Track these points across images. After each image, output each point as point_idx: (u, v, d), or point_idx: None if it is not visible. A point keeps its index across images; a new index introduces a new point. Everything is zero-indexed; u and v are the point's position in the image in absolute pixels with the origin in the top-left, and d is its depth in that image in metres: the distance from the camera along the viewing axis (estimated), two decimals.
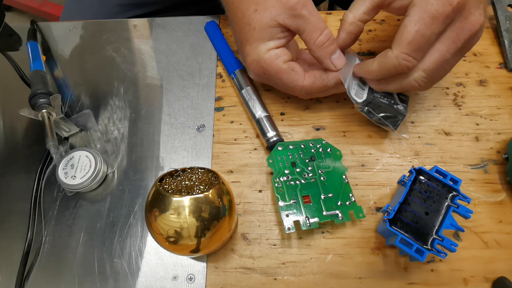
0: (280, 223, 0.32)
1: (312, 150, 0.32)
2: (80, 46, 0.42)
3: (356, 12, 0.29)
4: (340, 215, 0.29)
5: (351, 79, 0.32)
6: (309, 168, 0.31)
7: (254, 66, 0.32)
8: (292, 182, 0.30)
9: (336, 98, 0.36)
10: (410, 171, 0.29)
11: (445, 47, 0.27)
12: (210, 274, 0.30)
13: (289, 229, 0.28)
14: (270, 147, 0.33)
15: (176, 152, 0.35)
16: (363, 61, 0.31)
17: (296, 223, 0.29)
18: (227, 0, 0.33)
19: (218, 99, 0.37)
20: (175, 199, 0.25)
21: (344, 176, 0.31)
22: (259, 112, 0.34)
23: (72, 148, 0.36)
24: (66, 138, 0.36)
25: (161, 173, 0.34)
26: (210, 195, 0.25)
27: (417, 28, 0.26)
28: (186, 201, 0.25)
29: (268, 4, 0.30)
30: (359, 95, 0.32)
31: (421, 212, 0.27)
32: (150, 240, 0.32)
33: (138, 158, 0.35)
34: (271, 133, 0.33)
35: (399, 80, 0.30)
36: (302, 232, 0.31)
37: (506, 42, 0.37)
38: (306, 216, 0.29)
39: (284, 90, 0.33)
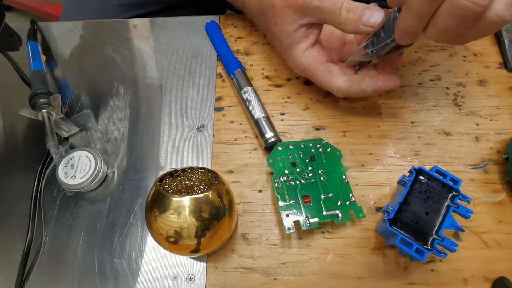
0: (280, 223, 0.32)
1: (312, 150, 0.32)
2: (80, 46, 0.42)
3: None
4: (340, 215, 0.29)
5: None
6: (309, 168, 0.31)
7: (295, 70, 0.34)
8: (292, 182, 0.30)
9: (336, 97, 0.36)
10: (410, 171, 0.29)
11: None
12: (210, 274, 0.30)
13: (289, 229, 0.28)
14: (268, 147, 0.33)
15: (176, 152, 0.35)
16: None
17: (296, 223, 0.29)
18: (256, 20, 0.35)
19: (218, 99, 0.37)
20: (175, 199, 0.25)
21: (344, 176, 0.31)
22: (258, 113, 0.34)
23: (72, 148, 0.36)
24: (66, 138, 0.36)
25: (161, 173, 0.34)
26: (210, 195, 0.25)
27: None
28: (186, 201, 0.25)
29: (283, 13, 0.30)
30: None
31: (421, 212, 0.27)
32: (150, 240, 0.32)
33: (138, 158, 0.35)
34: (269, 134, 0.33)
35: (445, 8, 0.22)
36: (302, 232, 0.31)
37: (506, 42, 0.37)
38: (306, 216, 0.29)
39: (324, 88, 0.33)
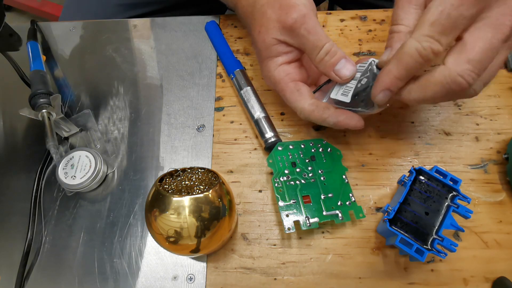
0: (280, 223, 0.32)
1: (312, 150, 0.32)
2: (80, 46, 0.42)
3: (407, 22, 0.27)
4: (340, 215, 0.29)
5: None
6: (309, 168, 0.31)
7: (266, 81, 0.33)
8: (292, 182, 0.30)
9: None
10: (410, 171, 0.29)
11: (489, 33, 0.23)
12: (210, 274, 0.30)
13: (289, 229, 0.28)
14: (268, 147, 0.33)
15: (176, 152, 0.35)
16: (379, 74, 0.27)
17: (296, 223, 0.29)
18: (244, 21, 0.35)
19: (218, 99, 0.37)
20: (175, 199, 0.25)
21: (344, 176, 0.31)
22: (258, 113, 0.34)
23: (72, 148, 0.36)
24: (66, 138, 0.36)
25: (161, 173, 0.34)
26: (210, 195, 0.25)
27: (441, 9, 0.23)
28: (186, 201, 0.25)
29: (269, 25, 0.30)
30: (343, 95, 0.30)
31: (421, 212, 0.27)
32: (150, 240, 0.32)
33: (138, 158, 0.35)
34: (269, 134, 0.33)
35: (438, 77, 0.24)
36: (302, 232, 0.31)
37: None
38: (306, 216, 0.29)
39: (290, 108, 0.32)
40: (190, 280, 0.30)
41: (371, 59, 0.28)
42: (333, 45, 0.29)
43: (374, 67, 0.28)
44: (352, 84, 0.29)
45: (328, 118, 0.30)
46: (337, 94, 0.30)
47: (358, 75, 0.29)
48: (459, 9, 0.23)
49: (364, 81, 0.28)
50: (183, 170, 0.28)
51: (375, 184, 0.33)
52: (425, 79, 0.25)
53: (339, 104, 0.30)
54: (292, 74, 0.31)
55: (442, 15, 0.23)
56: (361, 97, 0.29)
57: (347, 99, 0.29)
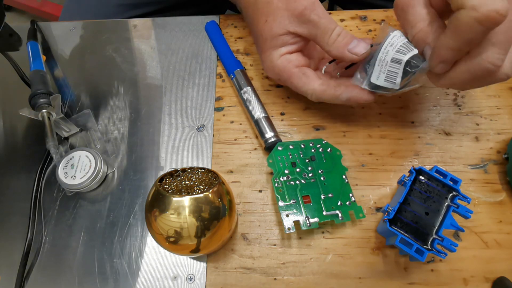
0: (280, 223, 0.32)
1: (312, 150, 0.32)
2: (80, 46, 0.42)
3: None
4: (340, 215, 0.29)
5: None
6: (309, 168, 0.31)
7: (269, 72, 0.33)
8: (292, 182, 0.30)
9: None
10: (410, 171, 0.29)
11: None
12: (210, 274, 0.30)
13: (289, 229, 0.28)
14: (268, 147, 0.33)
15: (176, 152, 0.35)
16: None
17: (296, 223, 0.29)
18: (245, 11, 0.35)
19: (218, 99, 0.37)
20: (175, 199, 0.25)
21: (344, 176, 0.31)
22: (258, 113, 0.34)
23: (72, 148, 0.36)
24: (66, 138, 0.36)
25: (161, 173, 0.34)
26: (210, 195, 0.25)
27: None
28: (186, 201, 0.25)
29: (277, 14, 0.30)
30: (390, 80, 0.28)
31: (421, 212, 0.27)
32: (150, 240, 0.32)
33: (138, 158, 0.35)
34: (269, 134, 0.33)
35: (467, 68, 0.24)
36: (302, 232, 0.31)
37: None
38: (306, 216, 0.29)
39: (299, 92, 0.33)
40: (190, 280, 0.30)
41: (395, 32, 0.27)
42: (343, 28, 0.29)
43: (411, 47, 0.27)
44: (396, 68, 0.27)
45: (341, 95, 0.30)
46: (378, 78, 0.28)
47: (390, 51, 0.27)
48: None
49: (400, 60, 0.27)
50: (183, 170, 0.28)
51: (375, 184, 0.33)
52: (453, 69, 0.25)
53: (375, 88, 0.29)
54: (295, 61, 0.32)
55: None
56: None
57: (396, 86, 0.28)
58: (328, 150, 0.32)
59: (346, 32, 0.29)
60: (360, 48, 0.29)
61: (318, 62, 0.35)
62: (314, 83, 0.31)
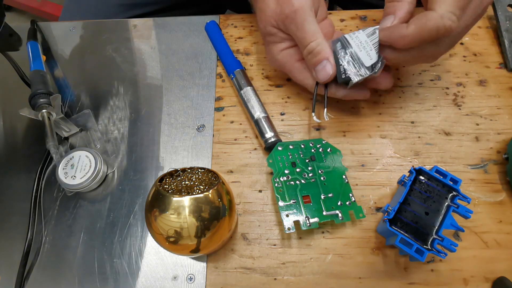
0: (280, 223, 0.32)
1: (312, 150, 0.32)
2: (80, 46, 0.42)
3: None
4: (340, 215, 0.29)
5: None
6: (309, 168, 0.31)
7: (272, 64, 0.35)
8: (292, 182, 0.30)
9: (336, 98, 0.36)
10: (410, 171, 0.29)
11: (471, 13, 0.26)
12: (210, 274, 0.30)
13: (289, 229, 0.28)
14: (268, 147, 0.33)
15: (176, 152, 0.35)
16: (392, 25, 0.28)
17: (296, 223, 0.29)
18: (250, 1, 0.36)
19: (218, 99, 0.37)
20: (175, 199, 0.25)
21: (344, 176, 0.31)
22: (258, 113, 0.34)
23: (72, 148, 0.36)
24: (66, 138, 0.36)
25: (161, 173, 0.34)
26: (210, 195, 0.25)
27: None
28: (186, 201, 0.25)
29: (267, 13, 0.31)
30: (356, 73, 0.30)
31: (421, 212, 0.27)
32: (150, 240, 0.32)
33: (138, 158, 0.35)
34: (269, 134, 0.33)
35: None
36: (302, 232, 0.31)
37: (506, 42, 0.37)
38: (306, 216, 0.29)
39: (302, 85, 0.34)
40: (190, 280, 0.30)
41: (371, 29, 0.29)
42: (318, 43, 0.29)
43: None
44: (361, 62, 0.30)
45: (338, 92, 0.32)
46: (356, 76, 0.30)
47: (359, 43, 0.30)
48: None
49: (370, 52, 0.29)
50: (183, 170, 0.28)
51: (375, 184, 0.33)
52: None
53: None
54: (295, 55, 0.33)
55: None
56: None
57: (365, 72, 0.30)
58: (328, 150, 0.32)
59: (318, 50, 0.29)
60: (323, 74, 0.30)
61: None
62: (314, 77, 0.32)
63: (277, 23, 0.31)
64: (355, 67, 0.30)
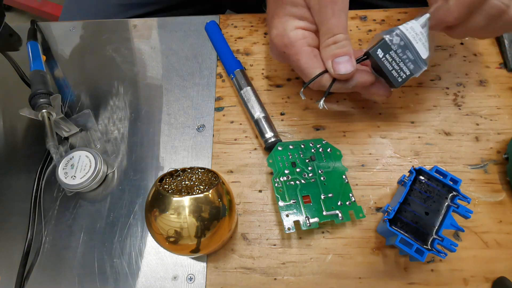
0: (280, 223, 0.32)
1: (312, 150, 0.32)
2: (80, 46, 0.42)
3: None
4: (340, 215, 0.29)
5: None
6: (309, 168, 0.31)
7: (277, 40, 0.30)
8: (292, 182, 0.30)
9: (336, 98, 0.36)
10: (410, 171, 0.29)
11: None
12: (210, 274, 0.30)
13: (289, 229, 0.28)
14: (268, 147, 0.33)
15: (176, 152, 0.35)
16: (433, 9, 0.27)
17: (296, 223, 0.29)
18: None
19: (218, 99, 0.37)
20: (175, 199, 0.25)
21: (344, 176, 0.31)
22: (258, 113, 0.34)
23: (72, 148, 0.36)
24: (66, 138, 0.36)
25: (161, 173, 0.34)
26: (210, 195, 0.25)
27: None
28: (186, 201, 0.25)
29: None
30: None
31: (421, 212, 0.27)
32: (150, 240, 0.32)
33: (138, 158, 0.35)
34: (269, 134, 0.33)
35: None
36: (302, 232, 0.31)
37: (506, 42, 0.37)
38: (306, 216, 0.29)
39: (300, 74, 0.31)
40: (190, 280, 0.30)
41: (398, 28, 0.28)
42: (346, 38, 0.28)
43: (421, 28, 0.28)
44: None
45: (348, 84, 0.29)
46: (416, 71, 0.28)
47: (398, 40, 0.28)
48: None
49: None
50: (183, 170, 0.28)
51: (375, 184, 0.33)
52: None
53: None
54: (309, 39, 0.29)
55: None
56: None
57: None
58: (328, 150, 0.32)
59: (344, 43, 0.28)
60: (342, 68, 0.27)
61: None
62: (321, 68, 0.29)
63: (311, 2, 0.28)
64: (410, 63, 0.28)
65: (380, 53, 0.27)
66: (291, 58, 0.30)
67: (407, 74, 0.28)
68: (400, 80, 0.28)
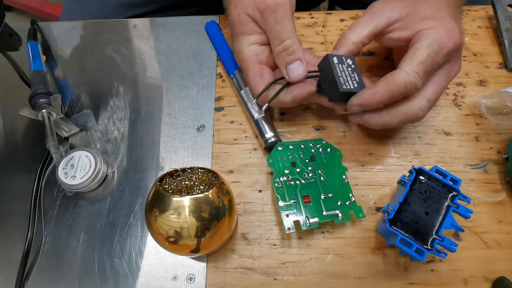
0: (280, 223, 0.32)
1: (312, 150, 0.32)
2: (80, 46, 0.42)
3: (359, 34, 0.29)
4: (340, 215, 0.29)
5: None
6: (309, 168, 0.31)
7: (236, 57, 0.34)
8: (292, 182, 0.30)
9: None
10: (410, 171, 0.29)
11: (442, 81, 0.29)
12: (210, 274, 0.30)
13: (289, 229, 0.28)
14: (268, 148, 0.33)
15: (176, 152, 0.35)
16: (360, 92, 0.29)
17: (296, 223, 0.29)
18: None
19: (218, 99, 0.37)
20: (175, 199, 0.25)
21: (344, 176, 0.31)
22: (258, 113, 0.34)
23: (72, 148, 0.36)
24: (66, 138, 0.36)
25: (161, 173, 0.34)
26: (210, 195, 0.25)
27: (429, 51, 0.27)
28: (186, 201, 0.25)
29: (246, 1, 0.31)
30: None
31: (421, 212, 0.27)
32: (150, 240, 0.32)
33: (138, 158, 0.35)
34: (269, 134, 0.33)
35: (405, 109, 0.28)
36: (302, 232, 0.31)
37: (506, 42, 0.37)
38: (306, 216, 0.29)
39: (250, 88, 0.34)
40: (190, 280, 0.30)
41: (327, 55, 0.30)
42: (294, 42, 0.30)
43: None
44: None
45: (285, 98, 0.31)
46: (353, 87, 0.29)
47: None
48: (438, 56, 0.27)
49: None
50: (183, 170, 0.28)
51: (375, 184, 0.33)
52: (394, 110, 0.29)
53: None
54: (260, 56, 0.32)
55: (429, 57, 0.27)
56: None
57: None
58: (328, 150, 0.32)
59: (293, 49, 0.30)
60: (294, 74, 0.30)
61: None
62: (263, 86, 0.31)
63: (254, 13, 0.31)
64: (352, 80, 0.29)
65: (335, 59, 0.29)
66: (244, 73, 0.33)
67: (351, 88, 0.29)
68: (344, 87, 0.29)
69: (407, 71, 0.27)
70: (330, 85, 0.30)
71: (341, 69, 0.29)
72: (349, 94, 0.29)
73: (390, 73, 0.28)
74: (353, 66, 0.30)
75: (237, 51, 0.33)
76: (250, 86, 0.33)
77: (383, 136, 0.34)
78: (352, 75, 0.29)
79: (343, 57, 0.30)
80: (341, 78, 0.29)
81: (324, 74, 0.30)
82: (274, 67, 0.33)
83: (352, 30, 0.30)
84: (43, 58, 0.38)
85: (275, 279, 0.30)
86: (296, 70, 0.30)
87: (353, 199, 0.30)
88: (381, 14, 0.29)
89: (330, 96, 0.31)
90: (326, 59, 0.29)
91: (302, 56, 0.30)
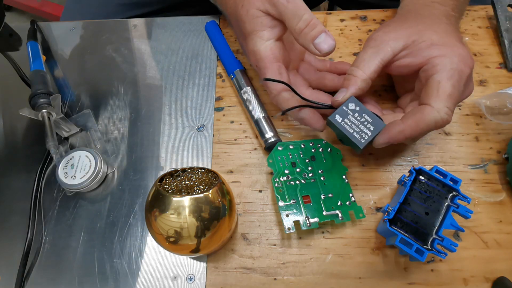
0: (280, 223, 0.32)
1: (312, 150, 0.32)
2: (80, 46, 0.42)
3: (367, 70, 0.29)
4: (340, 215, 0.29)
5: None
6: (309, 168, 0.31)
7: (250, 56, 0.32)
8: (292, 182, 0.30)
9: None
10: (410, 171, 0.29)
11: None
12: (210, 274, 0.30)
13: (289, 229, 0.28)
14: (268, 147, 0.33)
15: (176, 152, 0.35)
16: (386, 126, 0.28)
17: (296, 223, 0.29)
18: (225, 7, 0.35)
19: (218, 99, 0.37)
20: (175, 199, 0.25)
21: (344, 176, 0.31)
22: (258, 113, 0.34)
23: (72, 148, 0.36)
24: (66, 138, 0.36)
25: (161, 173, 0.34)
26: (210, 195, 0.25)
27: (452, 83, 0.27)
28: (186, 201, 0.25)
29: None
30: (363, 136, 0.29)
31: (421, 212, 0.27)
32: (150, 240, 0.32)
33: (138, 158, 0.35)
34: (269, 134, 0.33)
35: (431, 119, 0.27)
36: (302, 232, 0.31)
37: (506, 42, 0.37)
38: (306, 216, 0.29)
39: (265, 88, 0.33)
40: (190, 280, 0.30)
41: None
42: (312, 16, 0.29)
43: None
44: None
45: (299, 113, 0.31)
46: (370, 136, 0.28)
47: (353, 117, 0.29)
48: (460, 83, 0.27)
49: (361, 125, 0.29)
50: (183, 170, 0.28)
51: (375, 184, 0.33)
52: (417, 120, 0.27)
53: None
54: (277, 53, 0.31)
55: (454, 89, 0.27)
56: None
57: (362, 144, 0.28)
58: (328, 150, 0.32)
59: (315, 22, 0.28)
60: (325, 46, 0.28)
61: (297, 63, 0.34)
62: (282, 87, 0.30)
63: (264, 6, 0.30)
64: (366, 125, 0.29)
65: (338, 118, 0.28)
66: (261, 72, 0.31)
67: (369, 136, 0.28)
68: (363, 141, 0.28)
69: (439, 108, 0.26)
70: (348, 141, 0.29)
71: (350, 123, 0.28)
72: (372, 140, 0.28)
73: (419, 109, 0.27)
74: (357, 108, 0.29)
75: (252, 50, 0.31)
76: (267, 85, 0.31)
77: None
78: (362, 120, 0.28)
79: (343, 108, 0.28)
80: (355, 134, 0.28)
81: (337, 131, 0.29)
82: (289, 67, 0.33)
83: (358, 67, 0.29)
84: (43, 58, 0.38)
85: (275, 279, 0.30)
86: (325, 42, 0.28)
87: (353, 199, 0.30)
88: (385, 46, 0.29)
89: (356, 148, 0.29)
90: (330, 123, 0.29)
91: (324, 27, 0.28)
